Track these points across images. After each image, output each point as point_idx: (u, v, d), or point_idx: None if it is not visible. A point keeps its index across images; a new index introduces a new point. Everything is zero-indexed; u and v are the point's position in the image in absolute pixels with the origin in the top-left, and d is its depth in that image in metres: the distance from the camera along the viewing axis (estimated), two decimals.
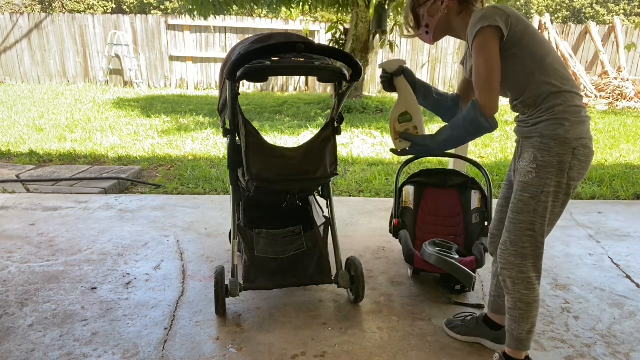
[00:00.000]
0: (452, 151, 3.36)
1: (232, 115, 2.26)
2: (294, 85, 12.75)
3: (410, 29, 1.85)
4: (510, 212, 1.74)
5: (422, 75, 12.79)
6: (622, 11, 22.12)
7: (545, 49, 1.64)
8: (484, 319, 2.10)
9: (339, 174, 2.56)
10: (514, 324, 1.78)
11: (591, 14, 22.23)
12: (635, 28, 12.10)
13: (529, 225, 1.68)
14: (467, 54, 1.77)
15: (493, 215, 2.03)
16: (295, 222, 2.68)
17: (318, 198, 2.73)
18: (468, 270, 2.23)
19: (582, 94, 1.74)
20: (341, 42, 9.72)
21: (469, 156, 3.19)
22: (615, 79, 11.43)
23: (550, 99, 1.63)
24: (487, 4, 1.74)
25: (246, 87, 12.14)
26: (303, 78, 12.54)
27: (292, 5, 9.08)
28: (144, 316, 2.31)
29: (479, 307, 2.41)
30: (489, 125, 1.63)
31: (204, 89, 12.49)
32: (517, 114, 1.80)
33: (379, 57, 11.78)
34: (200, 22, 8.67)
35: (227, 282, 2.24)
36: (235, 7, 8.49)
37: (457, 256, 2.37)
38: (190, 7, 8.06)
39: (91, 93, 10.80)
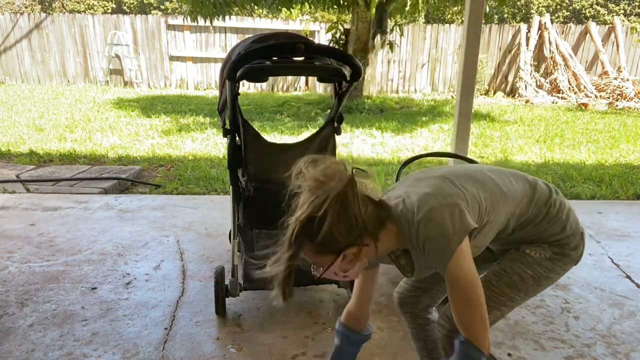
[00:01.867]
0: (451, 151, 3.36)
1: (232, 115, 2.26)
2: (294, 85, 12.75)
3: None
4: (495, 277, 1.44)
5: (422, 75, 12.79)
6: (622, 11, 22.13)
7: (495, 187, 1.36)
8: None
9: None
10: None
11: (591, 13, 22.23)
12: (632, 32, 12.09)
13: (510, 302, 1.44)
14: (417, 259, 1.33)
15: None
16: None
17: None
18: None
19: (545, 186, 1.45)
20: (341, 42, 9.73)
21: (469, 156, 3.18)
22: (615, 79, 11.42)
23: (537, 212, 1.40)
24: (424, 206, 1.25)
25: (246, 87, 12.12)
26: (303, 78, 12.53)
27: (293, 6, 9.08)
28: (144, 316, 2.31)
29: None
30: None
31: (204, 89, 12.49)
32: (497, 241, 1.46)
33: (379, 57, 11.78)
34: (200, 21, 8.65)
35: (227, 282, 2.25)
36: (235, 8, 8.49)
37: None
38: (191, 9, 8.06)
39: (91, 93, 10.79)
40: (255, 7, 9.42)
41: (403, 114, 9.00)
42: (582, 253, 1.47)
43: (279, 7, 8.96)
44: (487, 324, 1.21)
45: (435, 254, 1.23)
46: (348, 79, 2.25)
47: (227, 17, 9.06)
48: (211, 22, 8.31)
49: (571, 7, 22.83)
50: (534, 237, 1.42)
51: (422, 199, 1.26)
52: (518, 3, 21.67)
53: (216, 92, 11.69)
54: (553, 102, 10.95)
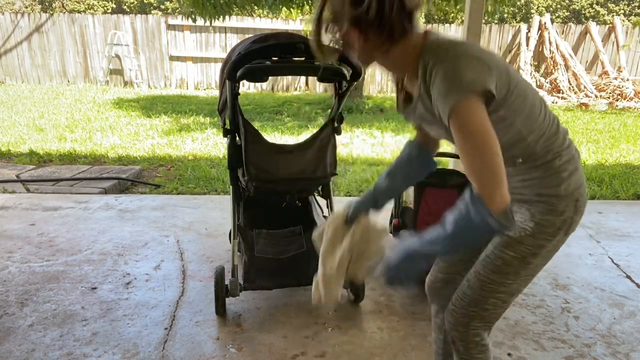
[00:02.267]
0: (451, 150, 3.36)
1: (232, 115, 2.27)
2: (294, 85, 12.75)
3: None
4: (480, 265, 1.39)
5: None
6: (622, 11, 22.13)
7: (531, 100, 1.30)
8: None
9: (338, 174, 2.56)
10: None
11: (591, 13, 22.24)
12: (633, 27, 12.08)
13: (502, 288, 1.35)
14: (419, 99, 1.28)
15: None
16: (295, 222, 2.68)
17: (318, 198, 2.73)
18: None
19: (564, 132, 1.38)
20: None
21: None
22: (615, 79, 11.42)
23: (543, 153, 1.31)
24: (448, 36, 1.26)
25: (246, 87, 12.12)
26: (303, 78, 12.53)
27: (293, 6, 9.07)
28: (144, 316, 2.31)
29: None
30: (507, 224, 1.13)
31: (204, 89, 12.48)
32: None
33: None
34: (199, 21, 8.65)
35: (227, 282, 2.25)
36: (235, 9, 8.48)
37: None
38: (192, 9, 8.05)
39: (91, 93, 10.79)
40: (255, 8, 9.42)
41: None
42: (572, 222, 1.34)
43: (280, 7, 8.94)
44: (501, 177, 1.10)
45: (445, 85, 1.13)
46: (348, 78, 2.25)
47: (227, 17, 9.06)
48: (210, 23, 8.31)
49: (571, 7, 22.84)
50: (524, 182, 1.33)
51: (460, 44, 1.23)
52: (518, 3, 21.66)
53: (216, 92, 11.68)
54: (553, 102, 10.94)
